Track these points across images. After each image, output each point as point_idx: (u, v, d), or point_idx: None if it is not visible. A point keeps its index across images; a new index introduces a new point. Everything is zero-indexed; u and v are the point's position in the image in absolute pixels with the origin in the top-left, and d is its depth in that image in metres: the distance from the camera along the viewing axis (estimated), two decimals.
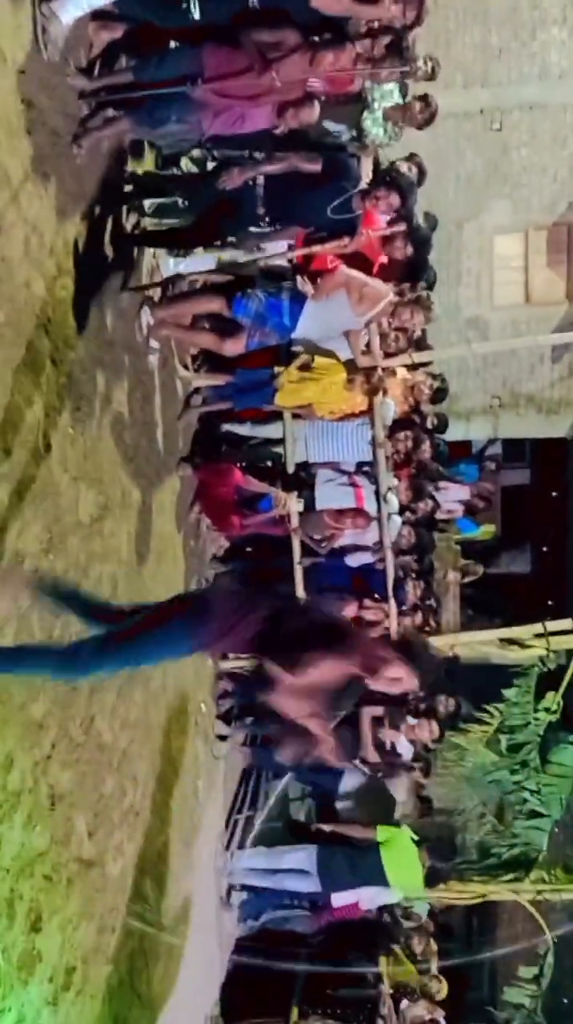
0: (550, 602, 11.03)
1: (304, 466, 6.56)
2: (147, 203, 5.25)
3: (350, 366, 6.08)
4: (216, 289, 5.67)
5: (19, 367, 3.65)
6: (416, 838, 6.66)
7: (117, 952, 4.69)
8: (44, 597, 3.51)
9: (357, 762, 6.94)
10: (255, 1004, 6.87)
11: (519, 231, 11.05)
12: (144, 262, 5.45)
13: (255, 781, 8.09)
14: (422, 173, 5.97)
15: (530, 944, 7.75)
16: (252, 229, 5.32)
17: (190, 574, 6.50)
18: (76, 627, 3.83)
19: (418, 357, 6.70)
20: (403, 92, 5.59)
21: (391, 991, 7.11)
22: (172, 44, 4.46)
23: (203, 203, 5.18)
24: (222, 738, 7.18)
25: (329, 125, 5.47)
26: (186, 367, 6.28)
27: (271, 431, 6.55)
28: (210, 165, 5.33)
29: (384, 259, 6.03)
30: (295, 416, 6.37)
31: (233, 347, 5.70)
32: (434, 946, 7.91)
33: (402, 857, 6.58)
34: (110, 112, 4.33)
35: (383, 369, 6.26)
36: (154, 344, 5.50)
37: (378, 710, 6.79)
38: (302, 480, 6.53)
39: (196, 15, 4.19)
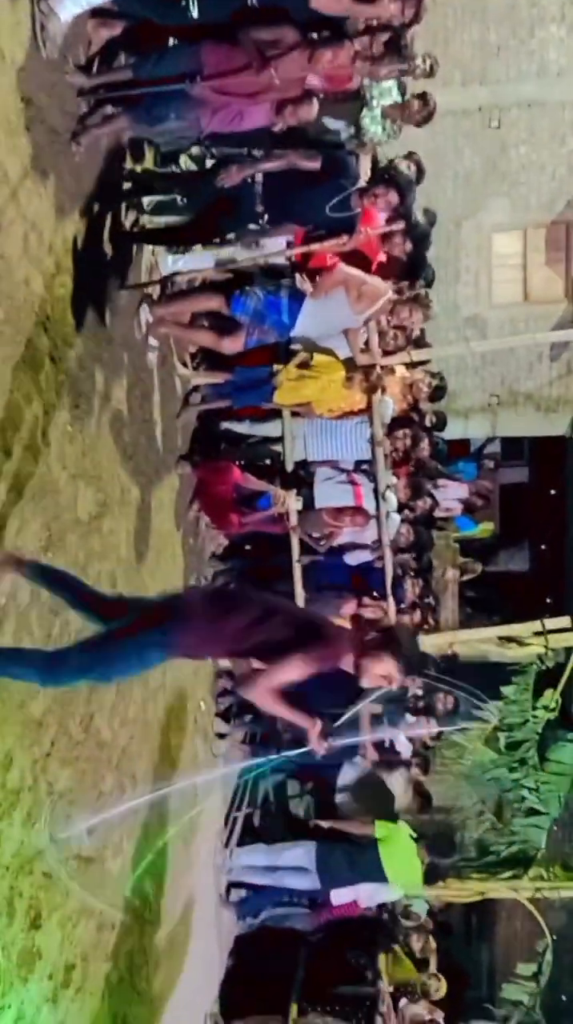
0: (548, 600, 11.04)
1: (303, 464, 6.56)
2: (146, 201, 5.25)
3: (349, 364, 6.08)
4: (215, 287, 5.67)
5: (18, 365, 3.65)
6: (415, 835, 6.67)
7: (116, 949, 4.70)
8: (36, 577, 3.51)
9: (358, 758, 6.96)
10: (254, 1001, 6.87)
11: (518, 229, 11.04)
12: (143, 260, 5.45)
13: (254, 779, 8.09)
14: (421, 171, 5.97)
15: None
16: (250, 226, 5.32)
17: (189, 572, 6.50)
18: (75, 626, 3.84)
19: (417, 355, 6.70)
20: (402, 90, 5.58)
21: (390, 989, 7.11)
22: (171, 42, 4.45)
23: (202, 201, 5.18)
24: (221, 736, 7.18)
25: (328, 123, 5.47)
26: (185, 365, 6.28)
27: (270, 429, 6.55)
28: (209, 163, 5.32)
29: (382, 257, 6.02)
30: (294, 414, 6.37)
31: (232, 345, 5.69)
32: (433, 943, 7.93)
33: (401, 853, 6.59)
34: (109, 109, 4.33)
35: (382, 367, 6.26)
36: (153, 342, 5.49)
37: (377, 708, 6.79)
38: (301, 478, 6.53)
39: (195, 13, 4.18)
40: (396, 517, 6.60)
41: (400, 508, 6.66)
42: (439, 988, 7.40)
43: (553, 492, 13.48)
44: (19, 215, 3.67)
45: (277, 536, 6.59)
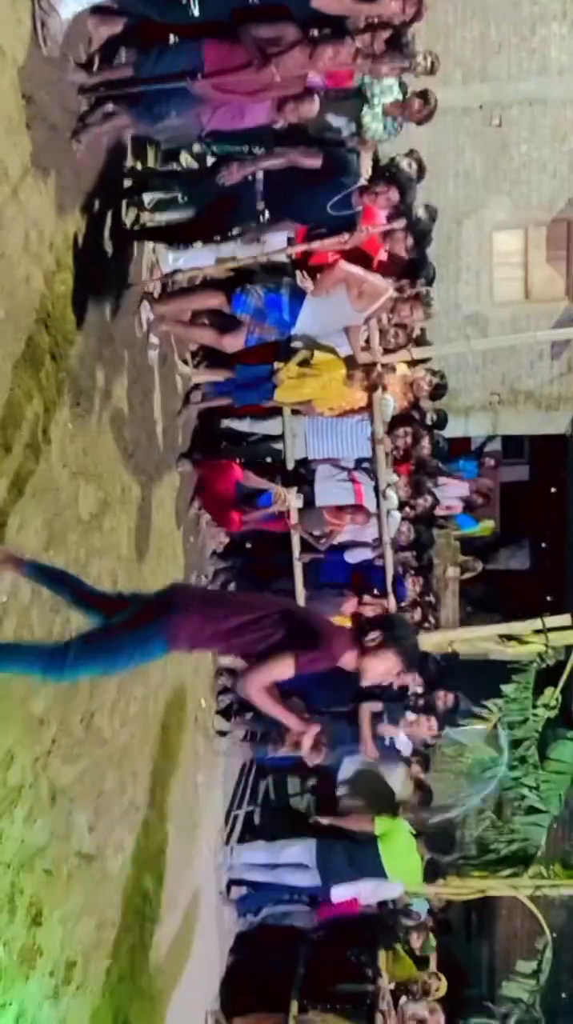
0: (549, 598, 11.03)
1: (303, 462, 6.56)
2: (147, 198, 5.24)
3: (350, 362, 6.07)
4: (216, 285, 5.67)
5: (19, 362, 3.65)
6: (414, 831, 6.68)
7: (117, 947, 4.71)
8: (36, 575, 3.51)
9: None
10: (255, 998, 6.89)
11: (519, 227, 11.04)
12: (144, 257, 5.45)
13: (254, 776, 8.11)
14: (422, 169, 5.96)
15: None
16: (251, 224, 5.31)
17: (190, 570, 6.50)
18: (76, 624, 3.85)
19: (417, 353, 6.70)
20: (403, 88, 5.58)
21: (391, 987, 7.13)
22: (172, 39, 4.45)
23: (203, 198, 5.17)
24: (222, 733, 7.19)
25: (329, 120, 5.47)
26: (186, 363, 6.28)
27: (271, 427, 6.55)
28: (210, 160, 5.32)
29: (383, 255, 6.02)
30: (295, 412, 6.37)
31: (232, 343, 5.69)
32: (433, 941, 7.94)
33: (400, 849, 6.61)
34: (110, 107, 4.32)
35: (383, 365, 6.26)
36: (154, 340, 5.49)
37: (377, 706, 6.80)
38: (301, 476, 6.54)
39: (196, 10, 4.18)
40: (397, 515, 6.61)
41: (401, 506, 6.66)
42: (439, 987, 7.41)
43: (554, 490, 13.47)
44: (20, 212, 3.67)
45: (278, 534, 6.60)
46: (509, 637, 7.45)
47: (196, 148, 5.35)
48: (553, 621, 7.36)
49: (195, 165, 5.53)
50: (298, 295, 5.57)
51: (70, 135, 4.17)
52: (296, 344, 5.94)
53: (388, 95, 5.59)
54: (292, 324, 5.63)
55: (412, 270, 6.19)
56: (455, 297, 10.90)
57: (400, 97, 5.57)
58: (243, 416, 6.59)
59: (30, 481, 3.72)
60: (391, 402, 6.47)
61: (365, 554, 6.71)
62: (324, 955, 7.28)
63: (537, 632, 7.35)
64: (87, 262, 4.35)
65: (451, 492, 9.99)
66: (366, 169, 5.63)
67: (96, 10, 4.20)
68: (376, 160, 5.95)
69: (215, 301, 5.56)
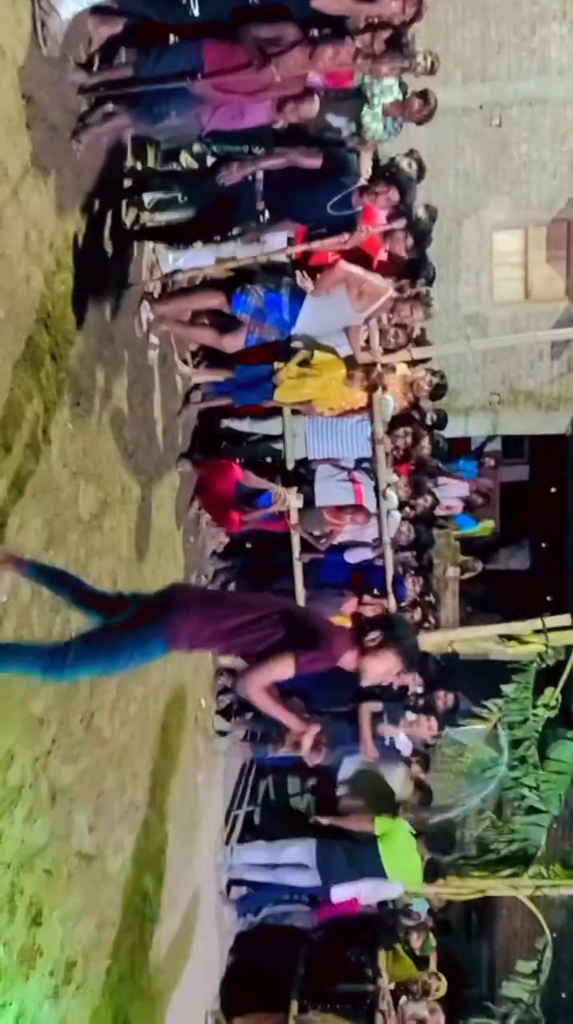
0: (549, 598, 11.03)
1: (303, 462, 6.56)
2: (147, 198, 5.24)
3: (350, 362, 6.07)
4: (215, 285, 5.67)
5: (19, 362, 3.65)
6: (414, 831, 6.68)
7: (117, 946, 4.71)
8: (36, 575, 3.51)
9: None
10: (255, 998, 6.89)
11: (519, 227, 11.04)
12: (144, 257, 5.45)
13: (254, 776, 8.11)
14: (422, 169, 5.96)
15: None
16: (251, 224, 5.31)
17: (190, 570, 6.50)
18: (76, 624, 3.85)
19: (417, 353, 6.70)
20: (403, 88, 5.58)
21: (391, 987, 7.13)
22: (172, 39, 4.45)
23: (203, 198, 5.17)
24: (222, 733, 7.19)
25: (329, 120, 5.47)
26: (186, 363, 6.28)
27: (271, 427, 6.55)
28: (210, 160, 5.32)
29: (383, 255, 6.02)
30: (295, 412, 6.37)
31: (232, 343, 5.69)
32: (433, 941, 7.94)
33: (400, 849, 6.61)
34: (110, 107, 4.32)
35: (383, 365, 6.26)
36: (154, 340, 5.49)
37: (377, 706, 6.80)
38: (301, 476, 6.54)
39: (196, 10, 4.18)
40: (397, 515, 6.61)
41: (401, 506, 6.66)
42: (439, 987, 7.41)
43: (554, 490, 13.48)
44: (20, 213, 3.67)
45: (278, 534, 6.60)
46: (509, 637, 7.45)
47: (196, 148, 5.35)
48: (553, 621, 7.36)
49: (195, 165, 5.53)
50: (298, 295, 5.57)
51: (70, 135, 4.17)
52: (296, 344, 5.94)
53: (388, 95, 5.60)
54: (292, 324, 5.63)
55: (412, 270, 6.19)
56: (455, 297, 10.90)
57: (400, 97, 5.57)
58: (243, 416, 6.59)
59: (30, 481, 3.72)
60: (391, 402, 6.47)
61: (365, 554, 6.71)
62: (324, 955, 7.28)
63: (537, 632, 7.35)
64: (87, 262, 4.35)
65: (451, 492, 9.98)
66: (366, 169, 5.63)
67: (96, 10, 4.20)
68: (376, 160, 5.95)
69: (215, 301, 5.56)
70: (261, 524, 6.60)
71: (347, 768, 7.08)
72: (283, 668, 3.15)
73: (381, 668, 3.26)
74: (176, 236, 5.44)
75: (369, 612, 6.52)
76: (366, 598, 6.62)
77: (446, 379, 6.96)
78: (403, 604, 6.77)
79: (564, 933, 9.07)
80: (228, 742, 7.30)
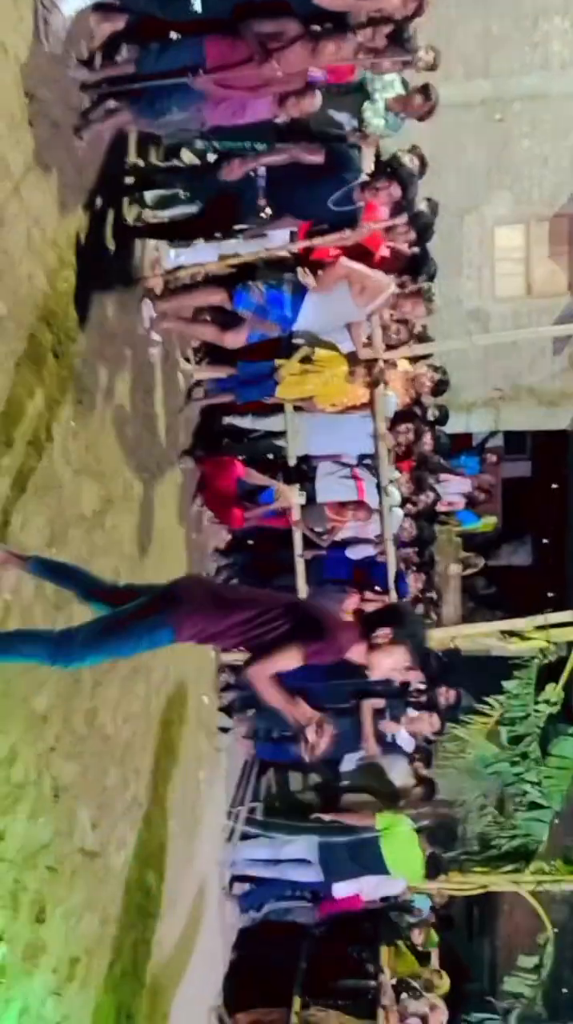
0: (551, 594, 11.03)
1: (305, 459, 6.56)
2: (148, 195, 5.24)
3: (351, 358, 6.07)
4: (217, 281, 5.66)
5: (21, 360, 3.65)
6: (416, 826, 6.70)
7: (120, 943, 4.72)
8: (41, 571, 3.51)
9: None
10: (258, 994, 6.91)
11: (520, 222, 11.02)
12: (146, 254, 5.44)
13: (257, 773, 8.11)
14: (424, 164, 5.95)
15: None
16: (253, 220, 5.30)
17: (192, 567, 6.50)
18: (79, 621, 3.84)
19: (419, 349, 6.69)
20: (404, 83, 5.56)
21: (393, 982, 7.14)
22: (173, 35, 4.44)
23: (204, 195, 5.17)
24: (224, 730, 7.20)
25: (330, 116, 5.45)
26: (188, 360, 6.28)
27: (272, 424, 6.54)
28: (211, 157, 5.31)
29: (385, 251, 6.01)
30: (296, 409, 6.36)
31: (234, 340, 5.69)
32: (435, 937, 7.96)
33: (402, 844, 6.63)
34: (112, 104, 4.31)
35: (384, 361, 6.25)
36: (156, 337, 5.49)
37: (379, 702, 6.81)
38: (303, 473, 6.54)
39: (197, 7, 4.17)
40: (398, 512, 6.61)
41: (402, 502, 6.66)
42: (441, 985, 7.43)
43: (555, 486, 13.47)
44: (22, 210, 3.66)
45: (280, 531, 6.60)
46: (511, 633, 7.44)
47: (198, 144, 5.34)
48: (555, 617, 7.36)
49: (197, 161, 5.52)
50: (300, 291, 5.57)
51: (72, 132, 4.17)
52: (298, 340, 5.94)
53: (390, 90, 5.58)
54: (294, 320, 5.63)
55: (413, 266, 6.18)
56: (457, 293, 10.88)
57: (402, 92, 5.56)
58: (245, 413, 6.58)
59: (32, 478, 3.73)
60: (393, 398, 6.47)
61: (367, 550, 6.71)
62: (326, 951, 7.29)
63: (539, 628, 7.34)
64: (89, 259, 4.35)
65: (453, 488, 9.99)
66: (368, 165, 5.62)
67: (98, 7, 4.20)
68: (378, 156, 5.94)
69: (217, 298, 5.56)
70: (263, 521, 6.61)
71: (349, 764, 7.09)
72: (290, 658, 3.15)
73: (388, 662, 3.26)
74: (178, 233, 5.44)
75: (371, 609, 6.52)
76: (368, 594, 6.63)
77: (448, 375, 6.95)
78: (405, 600, 6.77)
79: (566, 928, 9.08)
80: (230, 739, 7.31)
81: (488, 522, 12.34)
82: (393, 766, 7.10)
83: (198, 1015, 6.40)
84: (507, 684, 7.70)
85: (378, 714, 6.80)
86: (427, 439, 6.75)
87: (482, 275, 11.11)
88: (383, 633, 3.21)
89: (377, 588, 6.66)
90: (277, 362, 5.99)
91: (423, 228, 6.04)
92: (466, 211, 10.83)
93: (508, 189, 10.87)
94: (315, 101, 4.69)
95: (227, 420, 6.64)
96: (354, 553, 6.77)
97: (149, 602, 3.25)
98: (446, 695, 6.86)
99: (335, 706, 6.52)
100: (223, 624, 3.23)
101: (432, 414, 7.09)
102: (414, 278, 6.21)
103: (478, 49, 10.41)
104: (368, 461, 6.51)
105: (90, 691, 4.33)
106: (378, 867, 6.74)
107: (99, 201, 4.55)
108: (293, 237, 5.63)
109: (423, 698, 6.88)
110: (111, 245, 4.84)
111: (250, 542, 7.15)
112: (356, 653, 3.24)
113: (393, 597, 6.57)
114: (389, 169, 5.54)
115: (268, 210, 5.13)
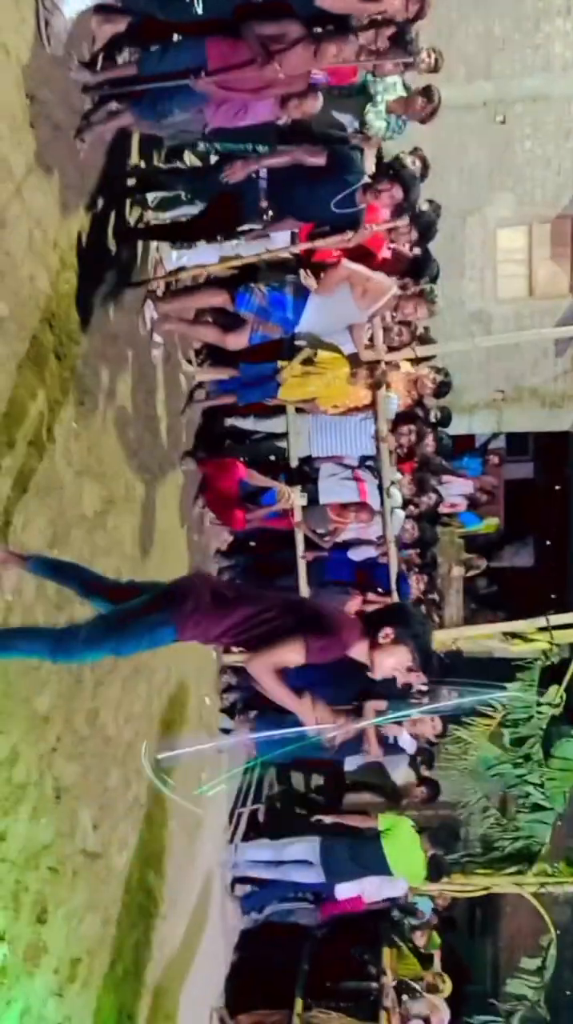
0: (553, 596, 11.02)
1: (307, 460, 6.56)
2: (150, 197, 5.25)
3: (353, 360, 6.07)
4: (219, 283, 5.67)
5: (23, 361, 3.66)
6: (418, 827, 6.70)
7: (122, 944, 4.72)
8: (42, 570, 3.51)
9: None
10: (260, 995, 6.91)
11: (523, 224, 11.02)
12: (148, 256, 5.45)
13: (258, 774, 8.11)
14: (426, 167, 5.96)
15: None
16: (255, 222, 5.31)
17: (194, 568, 6.50)
18: (79, 619, 3.85)
19: (421, 351, 6.69)
20: (406, 85, 5.57)
21: (395, 984, 7.14)
22: (175, 37, 4.45)
23: (206, 196, 5.17)
24: (226, 731, 7.19)
25: (332, 118, 5.46)
26: (189, 361, 6.28)
27: (274, 425, 6.55)
28: (213, 158, 5.32)
29: (387, 253, 6.02)
30: (298, 410, 6.37)
31: (236, 341, 5.69)
32: (437, 940, 7.95)
33: (404, 845, 6.63)
34: (113, 105, 4.33)
35: (386, 363, 6.25)
36: (158, 338, 5.50)
37: (381, 704, 6.80)
38: (305, 474, 6.54)
39: (199, 8, 4.18)
40: (400, 513, 6.60)
41: (405, 504, 6.66)
42: (444, 988, 7.43)
43: (558, 488, 13.46)
44: (24, 211, 3.67)
45: (282, 532, 6.60)
46: (513, 635, 7.45)
47: (200, 146, 5.35)
48: (557, 619, 7.36)
49: (198, 163, 5.53)
50: (302, 293, 5.57)
51: (74, 134, 4.18)
52: (300, 342, 5.94)
53: (391, 92, 5.59)
54: (296, 322, 5.64)
55: (416, 267, 6.18)
56: (459, 294, 10.88)
57: (404, 94, 5.56)
58: (247, 414, 6.59)
59: (34, 479, 3.73)
60: (395, 400, 6.47)
61: (369, 552, 6.71)
62: (328, 953, 7.29)
63: (541, 629, 7.35)
64: (91, 261, 4.36)
65: (455, 490, 9.99)
66: (370, 167, 5.63)
67: (100, 8, 4.21)
68: (380, 157, 5.95)
69: (219, 299, 5.56)
70: (265, 522, 6.61)
71: (351, 765, 7.09)
72: (291, 651, 3.11)
73: (391, 662, 3.25)
74: (179, 234, 5.44)
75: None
76: (370, 596, 6.62)
77: (450, 376, 6.95)
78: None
79: (569, 930, 9.06)
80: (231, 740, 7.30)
81: (490, 524, 12.35)
82: (395, 768, 7.10)
83: (200, 1016, 6.39)
84: (509, 686, 7.69)
85: (380, 716, 6.79)
86: (429, 441, 6.75)
87: (484, 277, 11.11)
88: (386, 632, 3.20)
89: (379, 590, 6.66)
90: (279, 364, 5.99)
91: (426, 227, 6.04)
92: (468, 213, 10.83)
93: (510, 191, 10.86)
94: (317, 103, 4.70)
95: (229, 421, 6.64)
96: (356, 555, 6.77)
97: (151, 600, 3.24)
98: (448, 697, 6.84)
99: (338, 708, 6.52)
100: (225, 624, 3.22)
101: (434, 416, 7.09)
102: (416, 280, 6.21)
103: (480, 51, 10.41)
104: (370, 463, 6.51)
105: (92, 692, 4.34)
106: (380, 868, 6.74)
107: (101, 203, 4.56)
108: (294, 239, 5.64)
109: (425, 700, 6.86)
110: (113, 247, 4.85)
111: (252, 543, 7.15)
112: (358, 651, 3.23)
113: (395, 599, 6.57)
114: (391, 171, 5.54)
115: (270, 212, 5.13)
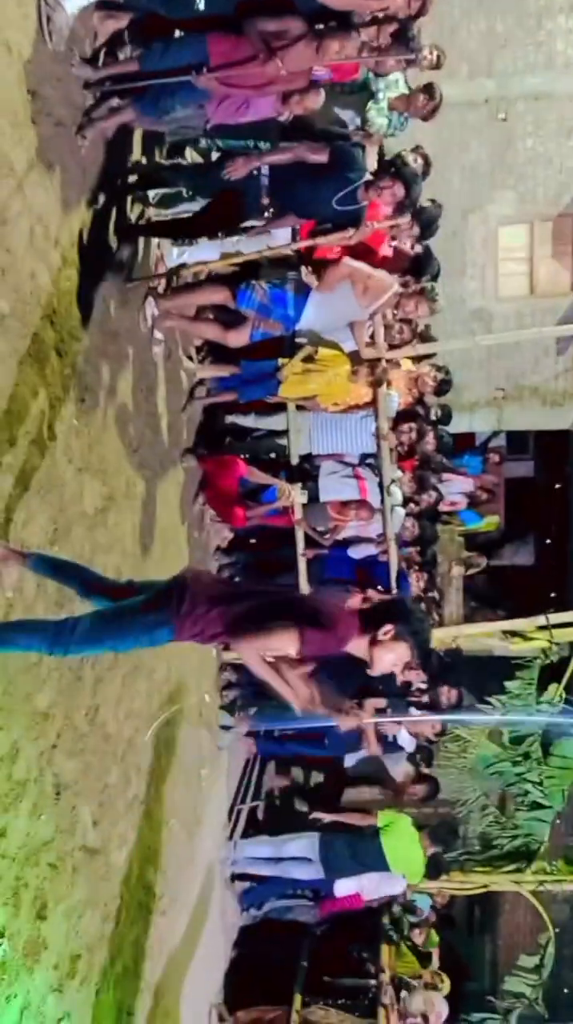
0: (553, 594, 11.01)
1: (308, 458, 6.56)
2: (151, 193, 5.24)
3: (354, 358, 6.07)
4: (220, 280, 5.66)
5: (24, 358, 3.65)
6: (417, 824, 6.71)
7: (122, 940, 4.72)
8: (42, 568, 3.51)
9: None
10: (258, 992, 6.92)
11: (524, 222, 11.01)
12: (149, 253, 5.44)
13: (258, 771, 8.13)
14: (428, 164, 5.95)
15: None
16: (256, 219, 5.31)
17: (194, 566, 6.50)
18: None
19: (422, 349, 6.69)
20: (408, 82, 5.56)
21: (393, 981, 7.15)
22: (177, 33, 4.44)
23: (208, 193, 5.17)
24: (225, 728, 7.20)
25: (334, 115, 5.45)
26: (190, 358, 6.28)
27: (275, 423, 6.55)
28: (214, 155, 5.31)
29: (388, 250, 6.01)
30: (299, 408, 6.36)
31: (237, 338, 5.69)
32: (436, 937, 7.97)
33: (402, 842, 6.64)
34: (115, 102, 4.32)
35: (387, 361, 6.25)
36: (159, 335, 5.50)
37: (380, 702, 6.80)
38: (306, 472, 6.54)
39: (200, 4, 4.17)
40: (401, 511, 6.60)
41: (405, 502, 6.66)
42: (442, 986, 7.44)
43: (558, 486, 13.45)
44: (25, 208, 3.67)
45: (282, 530, 6.60)
46: (513, 633, 7.45)
47: (201, 142, 5.34)
48: (557, 617, 7.36)
49: (200, 160, 5.52)
50: (303, 290, 5.57)
51: (75, 130, 4.17)
52: (301, 340, 5.94)
53: (393, 89, 5.58)
54: (297, 319, 5.63)
55: (417, 265, 6.18)
56: (460, 292, 10.87)
57: (406, 91, 5.56)
58: (248, 412, 6.58)
59: (35, 476, 3.73)
60: (395, 398, 6.47)
61: (369, 550, 6.71)
62: (327, 949, 7.30)
63: (541, 628, 7.35)
64: (92, 258, 4.35)
65: (455, 488, 9.99)
66: (372, 164, 5.62)
67: (101, 5, 4.20)
68: (381, 155, 5.94)
69: (220, 296, 5.56)
70: (265, 520, 6.61)
71: (350, 762, 7.10)
72: (283, 638, 3.10)
73: (390, 658, 3.24)
74: (181, 231, 5.44)
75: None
76: (370, 594, 6.61)
77: (451, 375, 6.95)
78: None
79: (567, 928, 9.08)
80: (231, 737, 7.32)
81: (490, 522, 12.34)
82: (394, 766, 7.10)
83: (199, 1012, 6.40)
84: (509, 684, 7.71)
85: (380, 713, 6.79)
86: (430, 439, 6.75)
87: (485, 275, 11.10)
88: (386, 629, 3.20)
89: (379, 587, 6.65)
90: (280, 361, 5.99)
91: (428, 223, 6.03)
92: (469, 211, 10.82)
93: (512, 189, 10.85)
94: (319, 100, 4.70)
95: (230, 419, 6.64)
96: (356, 552, 6.77)
97: (150, 600, 3.24)
98: (448, 695, 6.85)
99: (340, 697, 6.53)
100: (222, 623, 3.21)
101: (435, 414, 7.08)
102: (417, 278, 6.21)
103: (482, 48, 10.39)
104: (370, 460, 6.51)
105: (92, 689, 4.34)
106: (379, 864, 6.76)
107: (102, 199, 4.55)
108: (296, 236, 5.63)
109: (425, 698, 6.88)
110: (114, 243, 4.84)
111: (252, 541, 7.15)
112: (357, 647, 3.23)
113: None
114: (393, 168, 5.53)
115: (271, 209, 5.13)
